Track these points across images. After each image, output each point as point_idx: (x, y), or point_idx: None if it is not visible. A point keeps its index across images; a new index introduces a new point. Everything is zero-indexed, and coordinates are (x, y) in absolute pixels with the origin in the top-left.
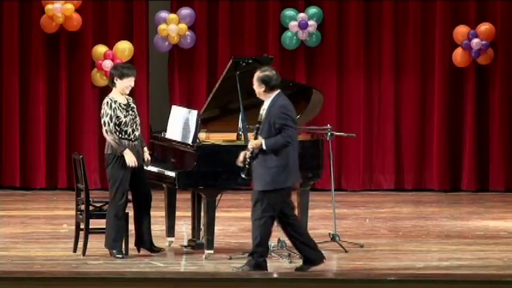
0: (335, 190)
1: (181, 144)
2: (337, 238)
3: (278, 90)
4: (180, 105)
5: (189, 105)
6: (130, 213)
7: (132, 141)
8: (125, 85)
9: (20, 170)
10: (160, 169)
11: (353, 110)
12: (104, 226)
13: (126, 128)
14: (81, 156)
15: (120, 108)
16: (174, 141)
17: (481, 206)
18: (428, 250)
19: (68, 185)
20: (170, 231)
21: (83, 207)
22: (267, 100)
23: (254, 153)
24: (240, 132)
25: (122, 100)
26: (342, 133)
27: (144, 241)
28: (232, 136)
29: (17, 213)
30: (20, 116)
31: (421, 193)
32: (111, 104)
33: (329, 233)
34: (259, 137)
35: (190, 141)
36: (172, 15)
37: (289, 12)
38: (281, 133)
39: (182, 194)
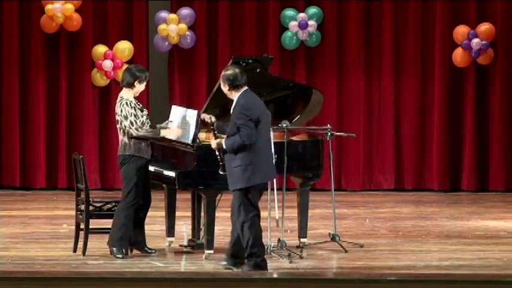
0: (335, 190)
1: (181, 144)
2: (337, 238)
3: (244, 89)
4: (180, 105)
5: (189, 105)
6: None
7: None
8: (141, 88)
9: (20, 170)
10: (160, 169)
11: (353, 110)
12: (104, 226)
13: (144, 127)
14: (81, 156)
15: (137, 108)
16: (174, 141)
17: (481, 206)
18: (428, 250)
19: (68, 185)
20: (170, 231)
21: (83, 207)
22: (234, 99)
23: (219, 152)
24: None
25: (135, 101)
26: (342, 133)
27: (137, 242)
28: None
29: (17, 213)
30: (20, 116)
31: (421, 193)
32: (130, 103)
33: (329, 233)
34: (220, 138)
35: (190, 141)
36: (172, 15)
37: (289, 12)
38: (239, 132)
39: (182, 194)
